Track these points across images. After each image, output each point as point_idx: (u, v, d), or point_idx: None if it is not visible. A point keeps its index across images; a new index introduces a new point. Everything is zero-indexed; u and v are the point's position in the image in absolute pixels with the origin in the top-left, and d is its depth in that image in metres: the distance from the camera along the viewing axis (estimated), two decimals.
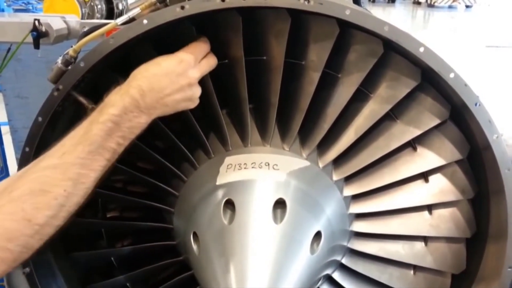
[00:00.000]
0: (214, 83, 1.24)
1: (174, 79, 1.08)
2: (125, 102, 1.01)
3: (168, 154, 1.35)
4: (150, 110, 1.05)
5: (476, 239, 1.34)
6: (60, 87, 1.15)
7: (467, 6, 23.72)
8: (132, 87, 1.03)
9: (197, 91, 1.14)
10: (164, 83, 1.06)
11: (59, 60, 1.20)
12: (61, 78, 1.16)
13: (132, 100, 1.02)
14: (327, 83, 1.26)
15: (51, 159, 0.97)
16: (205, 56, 1.16)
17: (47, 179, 0.94)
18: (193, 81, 1.11)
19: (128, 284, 1.45)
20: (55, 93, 1.15)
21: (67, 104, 1.19)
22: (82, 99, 1.17)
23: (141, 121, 1.04)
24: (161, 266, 1.39)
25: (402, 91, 1.23)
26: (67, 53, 1.21)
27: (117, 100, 1.01)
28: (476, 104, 1.14)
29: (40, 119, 1.17)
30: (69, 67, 1.18)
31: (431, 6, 24.05)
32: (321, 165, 1.28)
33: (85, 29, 1.38)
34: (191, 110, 1.29)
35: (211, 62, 1.17)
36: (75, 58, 1.22)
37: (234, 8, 1.14)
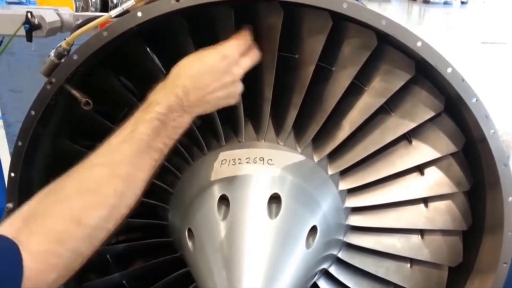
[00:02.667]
0: None
1: (218, 76, 1.04)
2: (170, 101, 0.98)
3: None
4: (192, 109, 1.02)
5: (472, 232, 1.34)
6: (53, 80, 1.13)
7: (462, 3, 23.74)
8: (176, 86, 1.00)
9: (239, 87, 1.10)
10: (208, 80, 1.03)
11: (52, 53, 1.18)
12: (54, 71, 1.14)
13: (177, 99, 0.99)
14: (321, 77, 1.26)
15: (97, 158, 0.92)
16: (248, 50, 1.11)
17: (94, 178, 0.89)
18: (237, 78, 1.08)
19: (124, 282, 1.45)
20: (48, 87, 1.14)
21: (60, 97, 1.17)
22: (75, 93, 1.16)
23: (184, 121, 1.01)
24: (157, 263, 1.38)
25: (397, 84, 1.22)
26: (60, 46, 1.19)
27: (162, 99, 0.98)
28: (473, 100, 1.13)
29: (32, 112, 1.15)
30: (62, 60, 1.17)
31: (426, 2, 24.07)
32: (316, 159, 1.27)
33: (79, 22, 1.36)
34: None
35: (254, 56, 1.12)
36: (68, 51, 1.20)
37: (228, 2, 1.13)
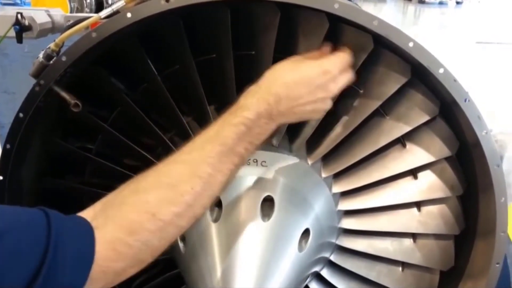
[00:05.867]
0: (202, 79, 1.22)
1: (313, 90, 1.01)
2: (261, 108, 0.96)
3: (154, 150, 1.33)
4: (279, 117, 1.00)
5: (464, 236, 1.34)
6: (42, 82, 1.11)
7: (457, 2, 23.78)
8: (269, 93, 0.98)
9: (329, 105, 1.07)
10: (302, 92, 1.00)
11: (41, 55, 1.16)
12: (42, 73, 1.12)
13: (267, 106, 0.97)
14: None
15: (180, 155, 0.92)
16: (346, 69, 1.08)
17: (174, 174, 0.89)
18: (330, 96, 1.05)
19: None
20: (37, 88, 1.12)
21: (50, 99, 1.15)
22: (64, 95, 1.14)
23: (269, 128, 0.99)
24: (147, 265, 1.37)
25: (392, 87, 1.21)
26: (49, 47, 1.17)
27: (253, 104, 0.96)
28: (465, 100, 1.13)
29: (21, 115, 1.13)
30: (51, 62, 1.15)
31: (421, 2, 24.08)
32: (310, 162, 1.27)
33: (70, 23, 1.34)
34: (180, 105, 1.27)
35: (349, 76, 1.09)
36: (58, 52, 1.18)
37: (222, 1, 1.11)
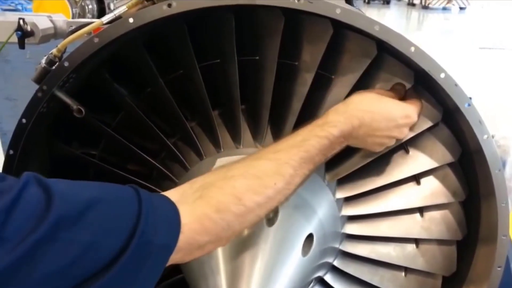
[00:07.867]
0: (206, 83, 1.23)
1: (391, 127, 1.12)
2: (344, 128, 1.05)
3: (158, 156, 1.33)
4: (352, 140, 1.09)
5: (466, 241, 1.34)
6: (44, 87, 1.12)
7: (461, 8, 23.82)
8: (355, 117, 1.06)
9: (393, 143, 1.17)
10: (382, 126, 1.10)
11: (43, 60, 1.17)
12: (45, 79, 1.12)
13: (350, 129, 1.05)
14: (321, 84, 1.25)
15: (265, 154, 1.00)
16: None
17: (260, 167, 0.96)
18: (401, 138, 1.16)
19: None
20: (39, 94, 1.12)
21: (52, 105, 1.15)
22: (67, 100, 1.13)
23: (342, 146, 1.07)
24: None
25: None
26: (51, 53, 1.18)
27: (339, 123, 1.05)
28: (466, 105, 1.13)
29: (24, 121, 1.13)
30: (53, 67, 1.15)
31: (425, 7, 24.14)
32: None
33: (72, 28, 1.35)
34: (183, 111, 1.28)
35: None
36: (60, 58, 1.19)
37: (226, 7, 1.12)
